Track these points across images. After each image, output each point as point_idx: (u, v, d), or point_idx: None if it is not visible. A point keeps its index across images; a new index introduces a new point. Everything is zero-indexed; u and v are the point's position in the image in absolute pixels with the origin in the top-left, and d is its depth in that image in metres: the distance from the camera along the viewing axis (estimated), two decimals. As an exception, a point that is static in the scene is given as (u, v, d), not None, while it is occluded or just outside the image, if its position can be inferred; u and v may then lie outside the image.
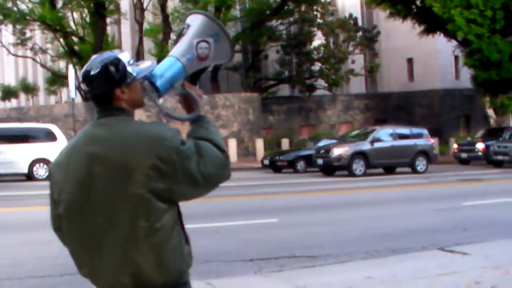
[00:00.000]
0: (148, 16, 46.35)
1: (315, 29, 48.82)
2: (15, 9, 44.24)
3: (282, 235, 12.51)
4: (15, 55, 55.06)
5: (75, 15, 45.92)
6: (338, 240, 11.84)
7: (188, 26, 3.25)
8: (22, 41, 49.70)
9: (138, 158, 2.86)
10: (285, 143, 40.58)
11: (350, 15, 50.17)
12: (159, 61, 3.21)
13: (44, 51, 52.31)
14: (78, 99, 41.53)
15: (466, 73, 44.97)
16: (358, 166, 29.59)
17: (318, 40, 49.12)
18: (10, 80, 78.02)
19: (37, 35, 55.44)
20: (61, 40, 46.37)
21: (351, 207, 17.20)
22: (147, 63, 3.13)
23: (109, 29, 48.99)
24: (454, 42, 42.75)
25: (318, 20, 48.69)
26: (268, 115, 49.43)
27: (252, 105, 41.59)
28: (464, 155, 37.50)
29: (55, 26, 43.14)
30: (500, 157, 34.43)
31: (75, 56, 44.67)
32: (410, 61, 56.02)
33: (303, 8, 48.01)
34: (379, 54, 54.80)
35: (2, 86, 71.82)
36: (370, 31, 51.83)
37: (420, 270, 8.63)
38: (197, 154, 2.94)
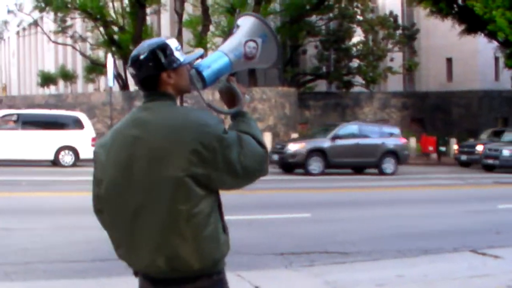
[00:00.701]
0: (188, 8, 46.46)
1: (355, 25, 48.58)
2: (57, -4, 44.63)
3: (314, 230, 12.50)
4: (56, 43, 55.51)
5: (116, 4, 46.16)
6: (370, 237, 11.80)
7: (238, 26, 3.33)
8: (62, 29, 50.10)
9: (180, 142, 2.92)
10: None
11: (391, 13, 49.84)
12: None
13: (84, 40, 52.65)
14: (116, 88, 41.79)
15: (507, 75, 44.45)
16: (315, 164, 26.98)
17: (357, 36, 48.88)
18: (50, 67, 78.80)
19: (78, 23, 55.89)
20: (101, 29, 46.64)
21: (384, 205, 17.11)
22: (195, 51, 3.23)
23: (148, 19, 49.22)
24: (495, 43, 42.25)
25: (358, 16, 48.44)
26: (305, 110, 49.31)
27: (289, 100, 41.51)
28: (464, 157, 34.90)
29: (96, 15, 43.47)
30: (490, 161, 31.99)
31: (115, 45, 44.94)
32: (449, 60, 55.47)
33: (343, 4, 47.83)
34: (418, 52, 54.32)
35: (42, 72, 72.58)
36: (410, 29, 51.47)
37: (452, 271, 8.58)
38: (239, 145, 2.99)
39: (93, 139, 27.63)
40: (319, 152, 27.27)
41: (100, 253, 9.04)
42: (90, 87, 70.10)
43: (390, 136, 29.21)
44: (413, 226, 13.29)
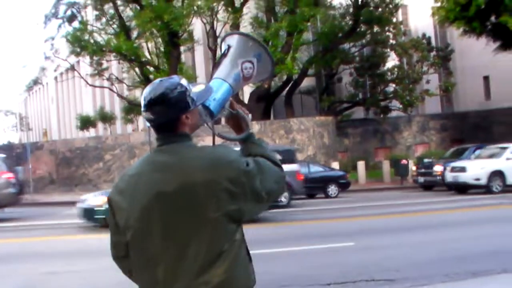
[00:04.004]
0: (221, 43, 46.72)
1: (388, 50, 48.48)
2: (91, 41, 45.21)
3: (359, 259, 12.36)
4: (93, 86, 56.08)
5: (150, 45, 46.58)
6: (417, 263, 11.63)
7: (229, 47, 3.28)
8: (99, 72, 50.65)
9: (209, 182, 2.87)
10: (361, 166, 40.30)
11: (423, 35, 49.66)
12: None
13: (120, 81, 53.13)
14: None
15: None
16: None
17: (392, 61, 48.75)
18: (88, 110, 79.75)
19: (113, 65, 56.52)
20: (137, 69, 47.10)
21: (432, 229, 16.87)
22: (200, 87, 3.11)
23: (183, 57, 49.61)
24: (532, 58, 41.83)
25: (391, 41, 48.32)
26: (344, 138, 49.18)
27: (327, 129, 41.44)
28: (421, 179, 33.35)
29: (131, 56, 43.88)
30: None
31: (151, 84, 45.24)
32: (486, 78, 55.00)
33: (375, 29, 47.77)
34: (454, 73, 53.98)
35: (81, 116, 73.47)
36: (444, 50, 51.19)
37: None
38: (259, 171, 2.98)
39: None
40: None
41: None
42: (129, 127, 70.72)
43: None
44: (461, 248, 13.08)
